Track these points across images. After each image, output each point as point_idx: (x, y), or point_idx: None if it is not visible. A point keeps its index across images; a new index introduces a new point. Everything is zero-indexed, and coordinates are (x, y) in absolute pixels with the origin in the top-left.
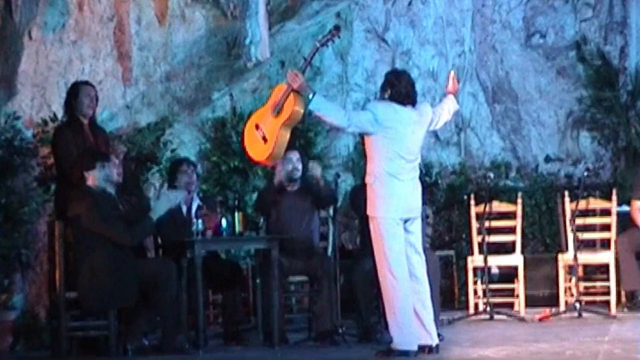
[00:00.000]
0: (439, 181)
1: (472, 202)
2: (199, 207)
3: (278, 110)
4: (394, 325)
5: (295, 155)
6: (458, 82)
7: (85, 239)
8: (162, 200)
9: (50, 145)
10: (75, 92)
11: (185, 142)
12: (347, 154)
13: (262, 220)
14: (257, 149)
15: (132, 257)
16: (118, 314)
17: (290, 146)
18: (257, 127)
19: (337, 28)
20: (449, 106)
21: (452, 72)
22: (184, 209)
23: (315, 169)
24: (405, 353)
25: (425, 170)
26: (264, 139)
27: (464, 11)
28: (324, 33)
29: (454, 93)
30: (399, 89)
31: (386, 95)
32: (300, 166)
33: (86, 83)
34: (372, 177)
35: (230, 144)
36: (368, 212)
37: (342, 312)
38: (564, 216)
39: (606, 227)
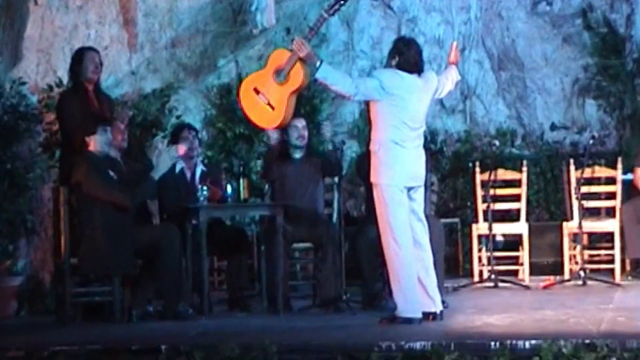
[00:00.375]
0: (444, 149)
1: (477, 169)
2: (203, 174)
3: (284, 78)
4: (398, 292)
5: (301, 123)
6: (461, 52)
7: (86, 205)
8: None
9: (55, 111)
10: (80, 58)
11: (191, 108)
12: (352, 120)
13: (267, 187)
14: (263, 116)
15: (131, 224)
16: (123, 280)
17: (296, 113)
18: (257, 91)
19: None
20: (452, 76)
21: (455, 43)
22: (188, 174)
23: (327, 130)
24: (409, 320)
25: (431, 138)
26: (270, 105)
27: None
28: (330, 2)
29: (455, 63)
30: (407, 57)
31: (393, 63)
32: (306, 133)
33: (90, 49)
34: (377, 144)
35: (236, 110)
36: (372, 180)
37: (347, 279)
38: (569, 184)
39: (611, 195)
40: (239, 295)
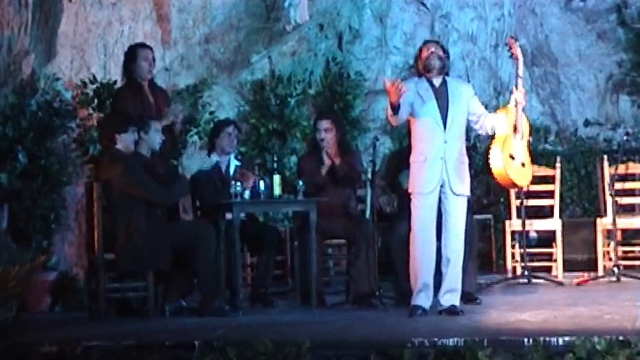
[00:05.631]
0: (477, 144)
1: None
2: (236, 169)
3: (521, 132)
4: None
5: (322, 126)
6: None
7: (120, 202)
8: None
9: (110, 107)
10: (134, 56)
11: (224, 104)
12: (385, 117)
13: (300, 183)
14: (523, 177)
15: (166, 220)
16: (156, 276)
17: (322, 115)
18: (512, 157)
19: (512, 38)
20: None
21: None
22: (223, 168)
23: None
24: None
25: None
26: (522, 164)
27: None
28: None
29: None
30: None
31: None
32: (327, 135)
33: (144, 45)
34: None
35: (269, 106)
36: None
37: (380, 275)
38: (603, 180)
39: None
40: (261, 292)
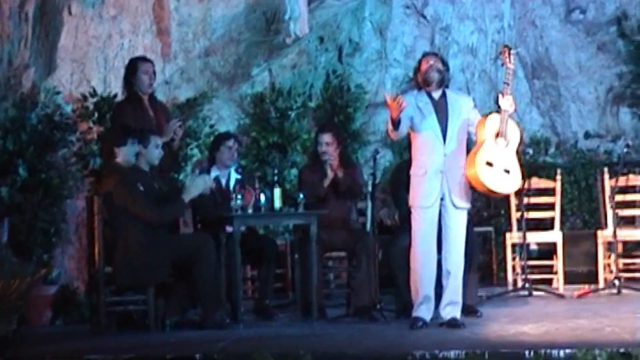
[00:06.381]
0: None
1: None
2: (237, 182)
3: (505, 139)
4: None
5: (323, 139)
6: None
7: (118, 215)
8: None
9: (110, 121)
10: (134, 69)
11: (224, 117)
12: (385, 129)
13: (300, 195)
14: (505, 184)
15: (166, 233)
16: (157, 289)
17: (323, 128)
18: (489, 164)
19: (506, 46)
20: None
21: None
22: (223, 182)
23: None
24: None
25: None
26: (506, 171)
27: None
28: (501, 55)
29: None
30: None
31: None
32: (329, 148)
33: (144, 59)
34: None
35: (269, 119)
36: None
37: (381, 288)
38: (604, 193)
39: None
40: (262, 304)
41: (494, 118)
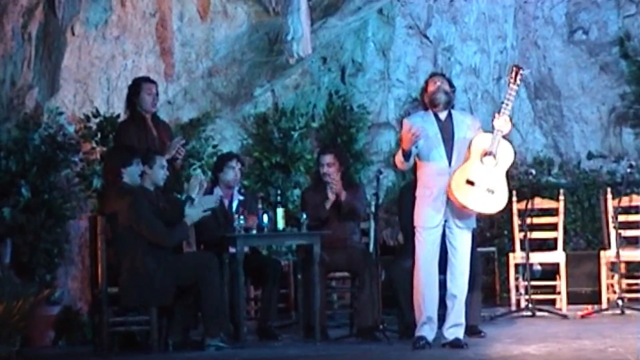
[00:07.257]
0: None
1: (514, 198)
2: (240, 204)
3: (495, 159)
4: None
5: (325, 160)
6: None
7: (124, 236)
8: (198, 205)
9: (113, 140)
10: (137, 90)
11: (227, 137)
12: (388, 149)
13: (303, 216)
14: (486, 204)
15: (170, 253)
16: (159, 310)
17: (325, 149)
18: (471, 183)
19: (516, 66)
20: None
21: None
22: (226, 203)
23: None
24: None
25: None
26: (491, 191)
27: (506, 7)
28: (510, 74)
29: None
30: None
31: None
32: (329, 169)
33: (148, 80)
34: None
35: (272, 139)
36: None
37: (383, 308)
38: (607, 213)
39: None
40: (265, 325)
41: (483, 137)
